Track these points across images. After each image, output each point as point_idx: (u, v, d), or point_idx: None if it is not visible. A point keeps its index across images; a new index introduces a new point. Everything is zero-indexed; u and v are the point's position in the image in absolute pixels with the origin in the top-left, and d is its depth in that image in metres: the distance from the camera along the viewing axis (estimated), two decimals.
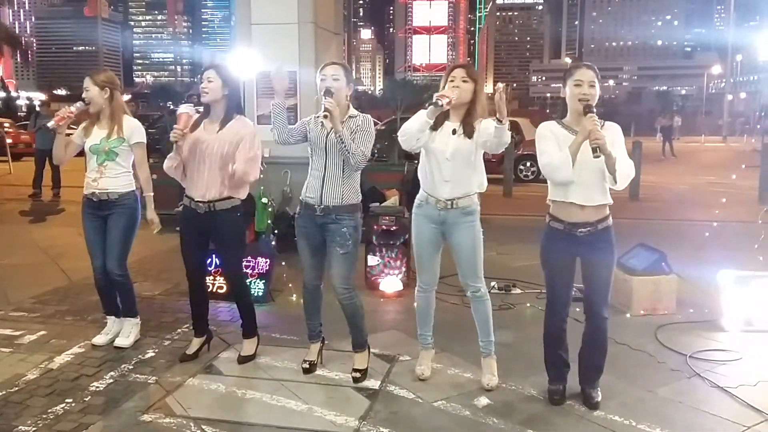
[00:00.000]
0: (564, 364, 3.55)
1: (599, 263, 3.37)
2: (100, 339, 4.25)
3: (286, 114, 3.67)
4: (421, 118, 3.41)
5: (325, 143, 3.60)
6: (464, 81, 3.47)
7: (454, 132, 3.50)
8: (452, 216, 3.55)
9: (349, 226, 3.63)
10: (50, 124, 3.92)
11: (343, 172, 3.61)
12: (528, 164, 14.26)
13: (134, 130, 4.15)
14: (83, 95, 4.06)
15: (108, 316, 4.34)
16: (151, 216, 4.25)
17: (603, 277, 3.39)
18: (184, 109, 3.77)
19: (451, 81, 3.49)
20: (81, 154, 4.25)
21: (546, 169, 3.31)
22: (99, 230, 4.13)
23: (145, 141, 4.21)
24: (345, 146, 3.51)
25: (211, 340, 4.19)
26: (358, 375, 3.75)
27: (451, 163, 3.50)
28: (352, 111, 3.68)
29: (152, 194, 4.28)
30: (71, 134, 4.21)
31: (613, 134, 3.32)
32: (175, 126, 3.71)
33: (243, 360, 4.00)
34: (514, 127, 3.70)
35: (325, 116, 3.45)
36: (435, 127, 3.50)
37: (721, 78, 69.91)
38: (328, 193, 3.61)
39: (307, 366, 3.85)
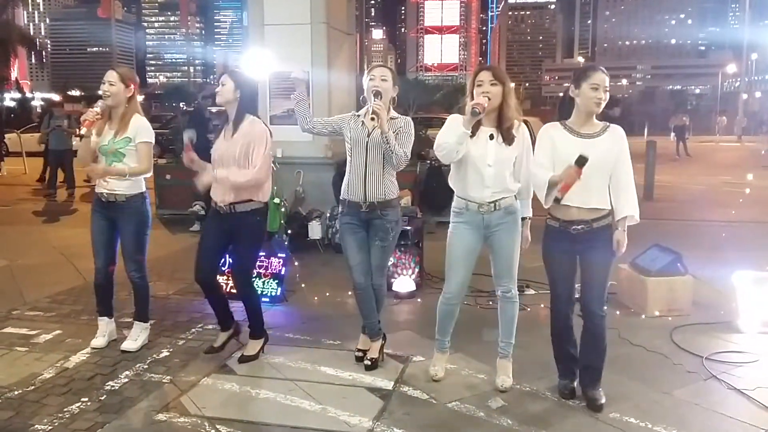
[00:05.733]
0: (572, 360, 3.56)
1: (594, 261, 3.39)
2: (98, 342, 4.23)
3: (306, 104, 3.85)
4: (458, 130, 3.36)
5: (366, 142, 3.70)
6: (492, 84, 3.42)
7: (491, 137, 3.48)
8: (496, 217, 3.53)
9: (392, 221, 3.77)
10: (82, 131, 3.89)
11: (383, 168, 3.72)
12: None
13: (140, 129, 4.05)
14: (105, 88, 3.96)
15: (100, 318, 4.29)
16: (102, 168, 3.99)
17: (597, 276, 3.40)
18: (187, 139, 3.99)
19: (479, 85, 3.43)
20: None
21: (532, 181, 3.46)
22: (105, 230, 4.11)
23: (152, 141, 4.12)
24: (389, 146, 3.59)
25: (240, 333, 4.19)
26: (368, 363, 3.92)
27: (493, 169, 3.47)
28: (393, 113, 3.77)
29: (125, 170, 3.99)
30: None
31: (616, 141, 3.35)
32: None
33: (244, 359, 4.01)
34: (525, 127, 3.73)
35: (373, 118, 3.52)
36: (471, 134, 3.46)
37: (736, 77, 69.19)
38: (371, 190, 3.72)
39: (369, 363, 3.91)
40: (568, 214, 3.35)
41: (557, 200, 3.28)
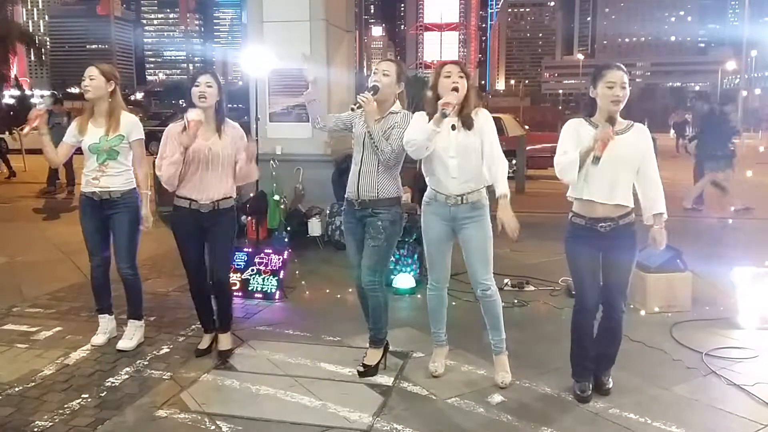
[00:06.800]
0: (590, 359, 3.52)
1: (620, 258, 3.38)
2: (98, 339, 4.23)
3: (318, 104, 3.78)
4: (427, 128, 3.38)
5: (364, 138, 3.64)
6: (461, 77, 3.45)
7: (453, 128, 3.48)
8: (462, 211, 3.53)
9: (384, 219, 3.64)
10: (24, 130, 3.92)
11: (378, 166, 3.63)
12: (512, 161, 13.72)
13: (133, 126, 4.08)
14: (85, 83, 3.98)
15: (101, 315, 4.30)
16: (145, 213, 4.14)
17: (623, 272, 3.40)
18: (196, 116, 3.67)
19: (447, 76, 3.46)
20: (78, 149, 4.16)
21: (556, 169, 3.36)
22: (99, 229, 4.09)
23: (144, 137, 4.16)
24: (374, 142, 3.55)
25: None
26: (362, 369, 3.74)
27: (456, 159, 3.48)
28: (396, 107, 3.68)
29: (149, 192, 4.23)
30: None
31: (642, 139, 3.34)
32: (186, 132, 3.65)
33: (225, 355, 3.99)
34: (496, 124, 3.71)
35: (359, 106, 3.51)
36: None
37: (736, 74, 69.17)
38: (363, 187, 3.65)
39: (362, 369, 3.76)
40: (593, 210, 3.32)
41: (597, 159, 3.13)
